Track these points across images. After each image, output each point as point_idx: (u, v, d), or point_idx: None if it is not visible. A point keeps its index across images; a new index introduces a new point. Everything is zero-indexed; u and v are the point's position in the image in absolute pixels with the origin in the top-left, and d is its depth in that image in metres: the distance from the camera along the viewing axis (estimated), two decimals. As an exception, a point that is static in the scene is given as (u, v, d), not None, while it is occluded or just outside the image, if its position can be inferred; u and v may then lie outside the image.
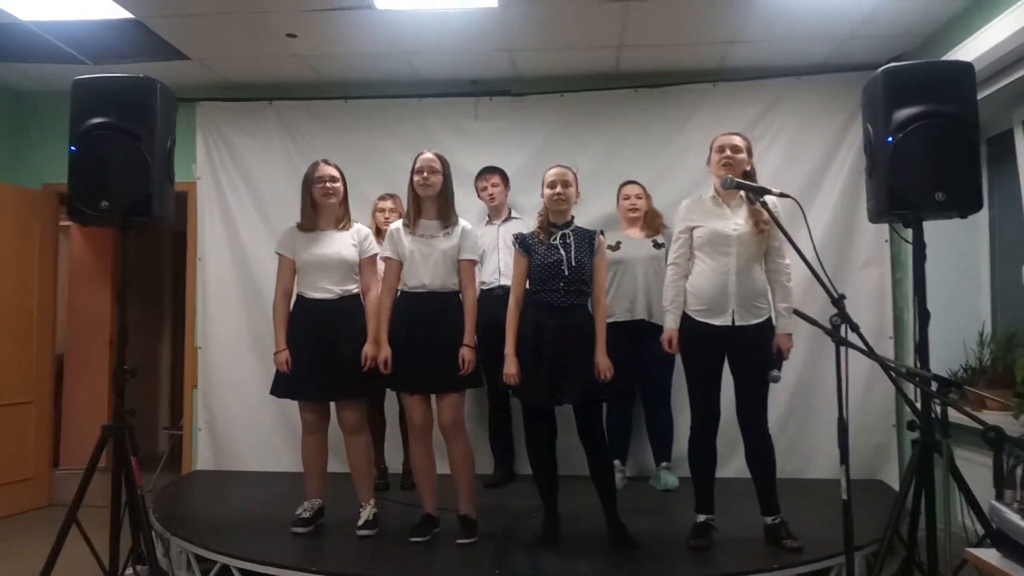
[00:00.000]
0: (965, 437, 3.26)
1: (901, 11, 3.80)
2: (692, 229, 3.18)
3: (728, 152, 3.12)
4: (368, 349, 3.30)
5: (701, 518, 3.18)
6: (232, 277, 4.85)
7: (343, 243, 3.43)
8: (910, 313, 3.50)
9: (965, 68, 2.91)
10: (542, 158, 4.11)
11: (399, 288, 3.34)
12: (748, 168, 3.16)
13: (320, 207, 3.45)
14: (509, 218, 4.34)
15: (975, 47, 3.46)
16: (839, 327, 2.33)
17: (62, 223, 5.06)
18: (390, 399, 4.10)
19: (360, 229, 3.51)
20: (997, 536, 1.94)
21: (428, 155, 3.32)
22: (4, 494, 4.59)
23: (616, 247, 4.14)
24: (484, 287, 4.08)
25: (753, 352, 3.10)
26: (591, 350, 3.10)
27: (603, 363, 3.08)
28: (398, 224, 3.39)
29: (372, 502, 3.44)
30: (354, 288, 3.46)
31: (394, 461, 4.38)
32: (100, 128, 2.98)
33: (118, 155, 2.97)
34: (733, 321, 3.08)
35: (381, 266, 3.46)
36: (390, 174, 4.45)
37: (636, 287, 4.10)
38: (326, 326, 3.35)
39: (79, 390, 6.01)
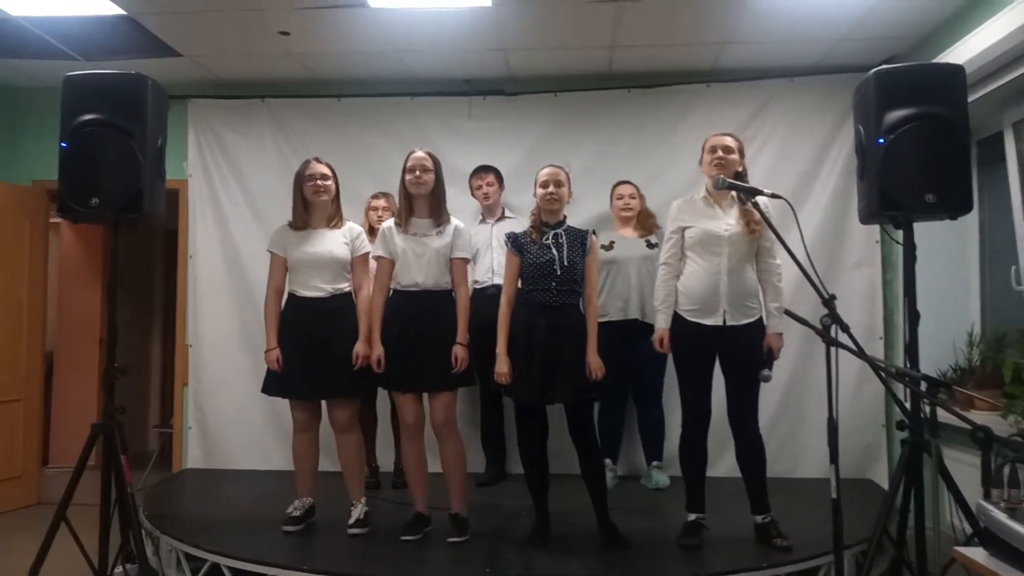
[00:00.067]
0: (954, 437, 3.28)
1: (893, 14, 3.82)
2: (683, 229, 3.19)
3: (720, 152, 3.13)
4: (359, 348, 3.30)
5: (692, 517, 3.20)
6: (223, 275, 4.83)
7: (335, 241, 3.43)
8: (900, 314, 3.52)
9: (956, 71, 2.93)
10: (535, 157, 4.12)
11: (392, 287, 3.34)
12: (740, 169, 3.17)
13: (312, 205, 3.44)
14: (503, 217, 4.34)
15: (966, 50, 3.48)
16: (829, 327, 2.34)
17: (52, 220, 5.04)
18: (382, 397, 4.09)
19: (352, 227, 3.51)
20: (985, 535, 1.96)
21: (420, 154, 3.31)
22: (-7, 492, 4.57)
23: (609, 247, 4.15)
24: (477, 286, 4.08)
25: (744, 352, 3.11)
26: (583, 349, 3.10)
27: (595, 362, 3.09)
28: (390, 223, 3.39)
29: (363, 501, 3.44)
30: (346, 287, 3.45)
31: (385, 460, 4.37)
32: (91, 125, 2.97)
33: (109, 152, 2.96)
34: (724, 321, 3.09)
35: (373, 265, 3.45)
36: (383, 173, 4.44)
37: (629, 287, 4.11)
38: (318, 324, 3.35)
39: (69, 388, 5.98)
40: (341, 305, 3.40)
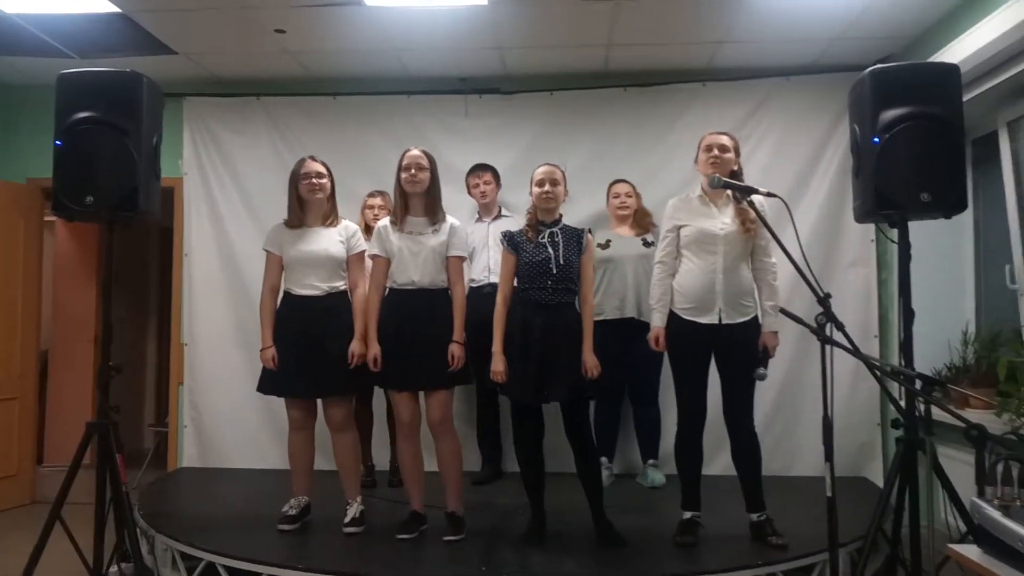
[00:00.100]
0: (948, 435, 3.29)
1: (889, 13, 3.83)
2: (679, 228, 3.19)
3: (716, 151, 3.13)
4: (355, 346, 3.30)
5: (687, 515, 3.20)
6: (219, 273, 4.82)
7: (330, 240, 3.42)
8: (895, 312, 3.52)
9: (951, 70, 2.94)
10: (531, 156, 4.11)
11: (388, 285, 3.34)
12: (735, 167, 3.17)
13: (307, 203, 3.44)
14: (499, 216, 4.34)
15: (961, 49, 3.49)
16: (825, 326, 2.35)
17: (47, 218, 5.01)
18: (378, 396, 4.10)
19: (348, 226, 3.50)
20: (978, 532, 1.96)
21: (415, 152, 3.31)
22: (-13, 491, 4.56)
23: (606, 245, 4.16)
24: (474, 285, 4.08)
25: (740, 350, 3.11)
26: (579, 348, 3.10)
27: (590, 361, 3.09)
28: (385, 221, 3.38)
29: (359, 499, 3.44)
30: (341, 285, 3.45)
31: (381, 458, 4.37)
32: (86, 122, 2.96)
33: (104, 150, 2.95)
34: (720, 319, 3.10)
35: (369, 263, 3.45)
36: (379, 171, 4.43)
37: (626, 285, 4.11)
38: (313, 323, 3.34)
39: (64, 387, 5.96)
40: (337, 303, 3.40)
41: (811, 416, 4.14)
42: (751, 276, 3.18)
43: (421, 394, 3.30)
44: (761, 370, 3.02)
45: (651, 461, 4.24)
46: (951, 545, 2.09)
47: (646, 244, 4.16)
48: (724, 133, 3.21)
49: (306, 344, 3.32)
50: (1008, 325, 3.74)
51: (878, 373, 2.64)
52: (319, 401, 3.46)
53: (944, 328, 3.95)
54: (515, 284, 3.21)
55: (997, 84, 3.46)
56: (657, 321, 3.19)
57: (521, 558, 3.07)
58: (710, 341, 3.13)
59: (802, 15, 3.88)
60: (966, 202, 2.90)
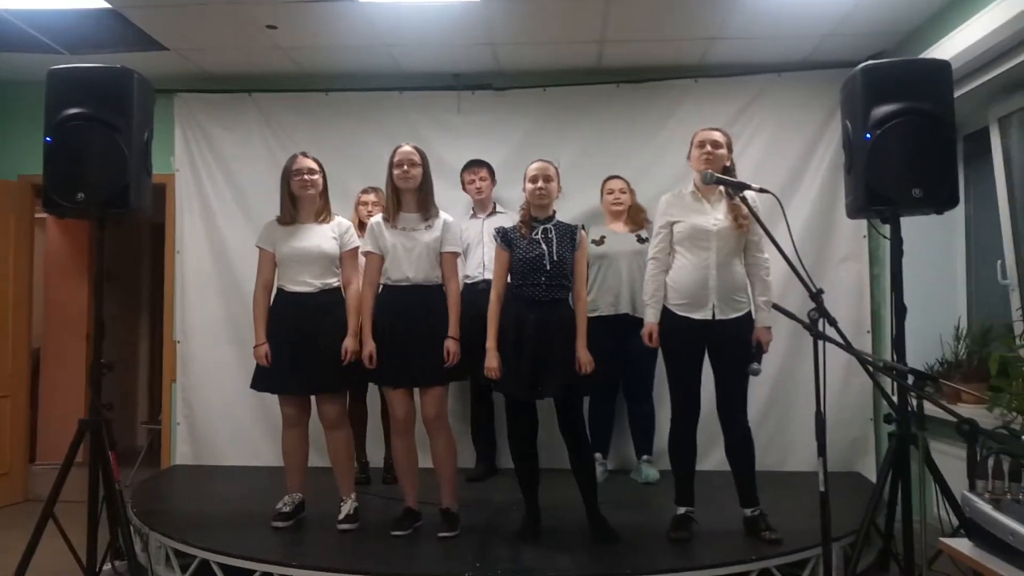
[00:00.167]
0: (941, 430, 3.31)
1: (880, 10, 3.83)
2: (672, 224, 3.19)
3: (708, 147, 3.13)
4: (348, 343, 3.29)
5: (681, 510, 3.21)
6: (211, 270, 4.81)
7: (323, 236, 3.41)
8: (887, 308, 3.54)
9: (942, 66, 2.95)
10: (524, 152, 4.11)
11: (382, 282, 3.33)
12: (728, 163, 3.18)
13: (299, 200, 3.43)
14: (494, 212, 4.34)
15: (952, 45, 3.50)
16: (817, 321, 2.35)
17: (38, 215, 4.99)
18: (372, 393, 4.09)
19: (341, 222, 3.49)
20: (969, 526, 1.97)
21: (407, 148, 3.30)
22: (-21, 490, 4.54)
23: (600, 242, 4.16)
24: (468, 281, 4.07)
25: (733, 346, 3.12)
26: (572, 344, 3.10)
27: (584, 357, 3.09)
28: (378, 218, 3.37)
29: (353, 496, 3.43)
30: (335, 281, 3.44)
31: (375, 455, 4.36)
32: (76, 119, 2.94)
33: (95, 146, 2.93)
34: (713, 315, 3.10)
35: (362, 260, 3.44)
36: (372, 167, 4.40)
37: (620, 281, 4.11)
38: (306, 320, 3.34)
39: (55, 384, 5.93)
40: (330, 300, 3.39)
41: (804, 411, 4.11)
42: (744, 272, 3.19)
43: (416, 390, 3.30)
44: (755, 365, 3.03)
45: (645, 457, 4.25)
46: (943, 539, 2.10)
47: (640, 240, 4.16)
48: (717, 129, 3.22)
49: (299, 341, 3.31)
50: (999, 320, 3.76)
51: (871, 368, 2.65)
52: (313, 398, 3.46)
53: (936, 323, 3.97)
54: (509, 280, 3.21)
55: (988, 80, 3.47)
56: (651, 317, 3.20)
57: (515, 554, 3.07)
58: (704, 337, 3.13)
59: (794, 11, 3.88)
60: (957, 198, 2.92)
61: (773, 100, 4.61)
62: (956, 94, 3.02)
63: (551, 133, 4.63)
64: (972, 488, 2.01)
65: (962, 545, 1.97)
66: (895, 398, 2.91)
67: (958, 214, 4.06)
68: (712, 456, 3.93)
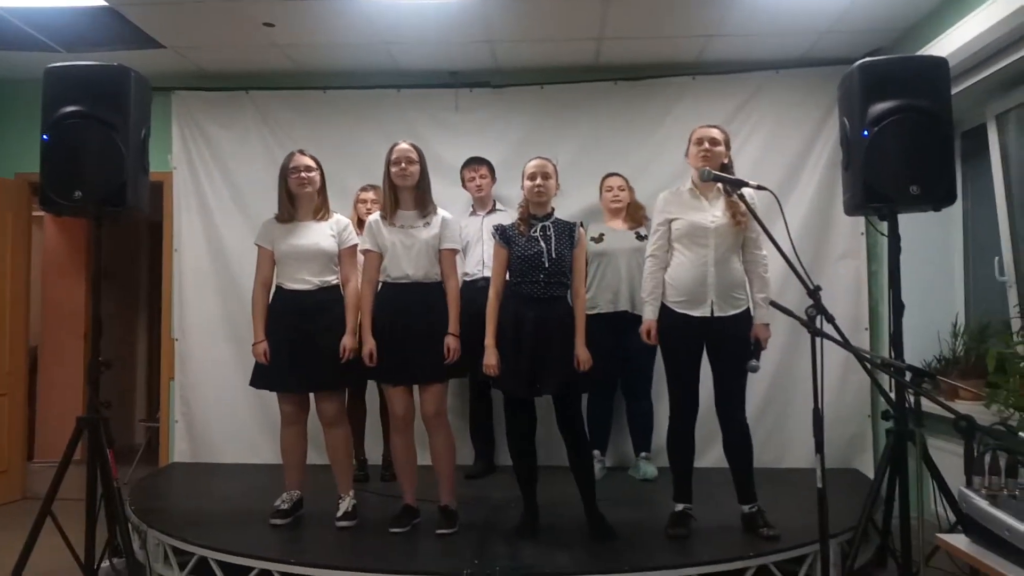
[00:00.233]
0: (938, 426, 3.31)
1: (877, 6, 3.84)
2: (670, 221, 3.19)
3: (706, 144, 3.13)
4: (347, 340, 3.29)
5: (679, 507, 3.21)
6: (209, 268, 4.81)
7: (321, 234, 3.41)
8: (885, 305, 3.55)
9: (939, 63, 2.95)
10: (522, 150, 4.11)
11: (381, 279, 3.33)
12: (726, 161, 3.18)
13: (297, 197, 3.42)
14: (494, 210, 4.33)
15: (949, 43, 3.50)
16: (815, 318, 2.36)
17: (35, 213, 4.98)
18: (371, 389, 4.09)
19: (339, 220, 3.49)
20: (966, 522, 1.98)
21: (404, 145, 3.30)
22: (-23, 488, 4.54)
23: (599, 239, 4.16)
24: (468, 278, 4.07)
25: (732, 343, 3.12)
26: (571, 341, 3.11)
27: (583, 354, 3.10)
28: (376, 216, 3.37)
29: (351, 493, 3.44)
30: (333, 279, 3.44)
31: (374, 452, 4.36)
32: (73, 117, 2.94)
33: (92, 144, 2.93)
34: (712, 312, 3.10)
35: (361, 258, 3.44)
36: (370, 165, 4.37)
37: (619, 279, 4.11)
38: (305, 317, 3.34)
39: (53, 382, 5.93)
40: (328, 298, 3.39)
41: (802, 408, 4.12)
42: (742, 269, 3.19)
43: (415, 388, 3.30)
44: (753, 362, 3.03)
45: (643, 454, 4.26)
46: (940, 535, 2.10)
47: (639, 238, 4.16)
48: (714, 126, 3.22)
49: (298, 338, 3.31)
50: (997, 317, 3.76)
51: (868, 365, 2.65)
52: (311, 395, 3.46)
53: (934, 320, 3.98)
54: (507, 278, 3.21)
55: (985, 77, 3.47)
56: (649, 314, 3.20)
57: (513, 551, 3.07)
58: (702, 334, 3.14)
59: (791, 9, 3.88)
60: (955, 195, 2.92)
61: (771, 97, 4.61)
62: (953, 91, 3.03)
63: (549, 131, 4.63)
64: (969, 484, 2.01)
65: (959, 541, 1.98)
66: (893, 395, 2.92)
67: (955, 211, 4.07)
68: (710, 453, 3.94)
